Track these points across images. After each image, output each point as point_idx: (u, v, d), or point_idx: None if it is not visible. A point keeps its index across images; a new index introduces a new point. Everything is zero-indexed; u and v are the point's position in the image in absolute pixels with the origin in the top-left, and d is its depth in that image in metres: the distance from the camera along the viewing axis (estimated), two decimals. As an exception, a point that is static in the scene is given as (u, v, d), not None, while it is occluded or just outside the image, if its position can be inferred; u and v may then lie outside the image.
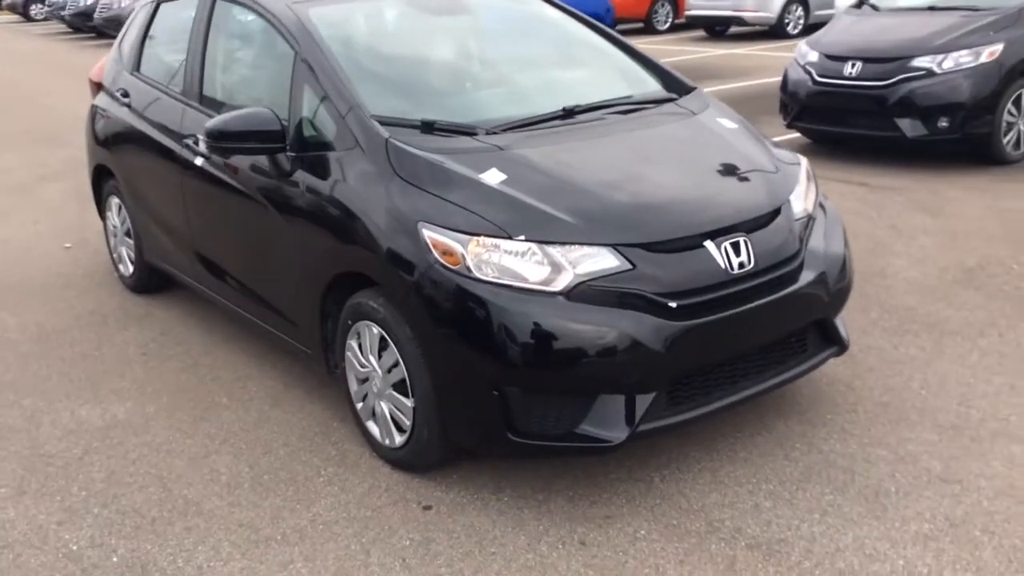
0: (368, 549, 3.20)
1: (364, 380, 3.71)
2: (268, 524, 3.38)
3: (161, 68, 5.29)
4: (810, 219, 3.77)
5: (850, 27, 8.55)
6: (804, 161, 4.06)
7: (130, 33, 5.75)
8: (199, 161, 4.55)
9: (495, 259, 3.22)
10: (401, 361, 3.45)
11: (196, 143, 4.57)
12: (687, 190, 3.61)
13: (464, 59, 4.62)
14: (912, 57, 7.60)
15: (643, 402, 3.22)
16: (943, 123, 7.45)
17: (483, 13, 5.00)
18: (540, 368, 3.18)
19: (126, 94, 5.45)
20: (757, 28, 18.20)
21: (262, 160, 4.05)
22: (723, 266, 3.34)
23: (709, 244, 3.35)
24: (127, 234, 5.66)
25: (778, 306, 3.45)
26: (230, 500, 3.54)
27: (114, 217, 5.81)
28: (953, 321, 4.71)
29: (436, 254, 3.28)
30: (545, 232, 3.25)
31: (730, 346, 3.40)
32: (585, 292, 3.18)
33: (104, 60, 6.10)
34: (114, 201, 5.76)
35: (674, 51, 16.33)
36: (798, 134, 8.63)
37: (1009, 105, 7.51)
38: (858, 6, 9.02)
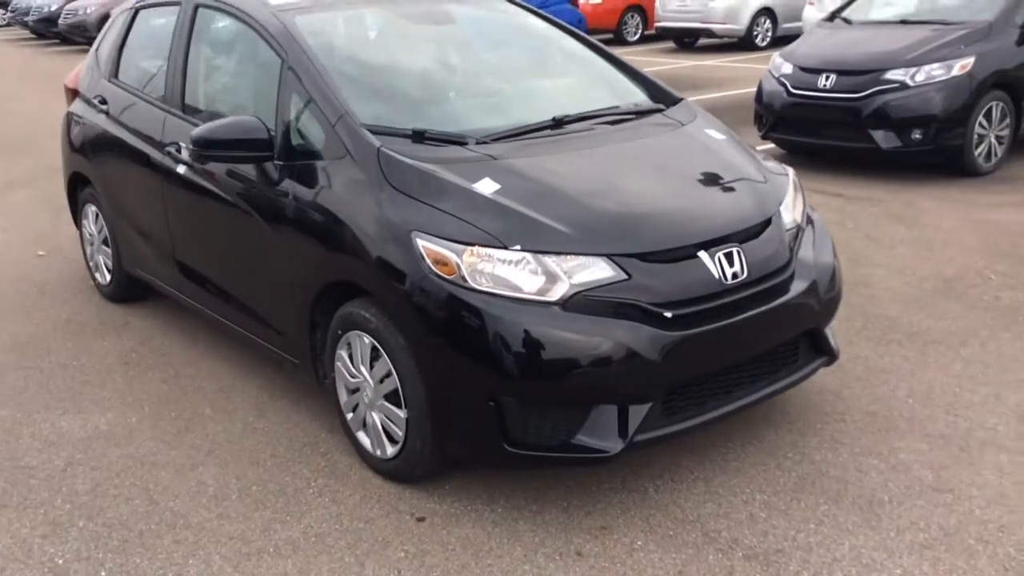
0: (363, 561, 3.16)
1: (355, 390, 3.67)
2: (259, 536, 3.33)
3: (140, 75, 5.22)
4: (799, 229, 3.79)
5: (823, 40, 8.64)
6: (791, 172, 4.08)
7: (107, 39, 5.67)
8: (181, 169, 4.49)
9: (490, 269, 3.20)
10: (394, 371, 3.42)
11: (178, 151, 4.51)
12: (680, 200, 3.62)
13: (450, 69, 4.61)
14: (885, 70, 7.69)
15: (639, 412, 3.21)
16: (916, 135, 7.54)
17: (468, 23, 4.99)
18: (537, 378, 3.16)
19: (104, 101, 5.38)
20: (726, 40, 18.35)
21: (248, 169, 4.00)
22: (717, 276, 3.34)
23: (703, 254, 3.35)
24: (104, 242, 5.58)
25: (771, 316, 3.46)
26: (219, 512, 3.49)
27: (91, 225, 5.72)
28: (935, 331, 4.76)
29: (430, 264, 3.25)
30: (540, 242, 3.24)
31: (724, 356, 3.41)
32: (581, 302, 3.17)
33: (80, 66, 6.02)
34: (91, 209, 5.68)
35: (644, 62, 16.39)
36: (773, 145, 8.70)
37: (980, 118, 7.61)
38: (831, 19, 9.11)
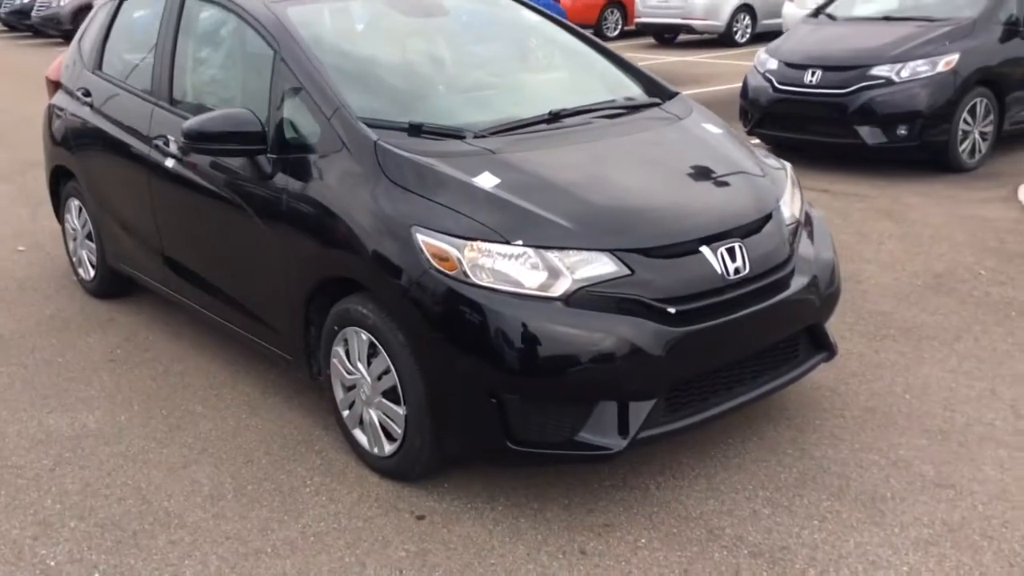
0: (363, 561, 3.11)
1: (351, 388, 3.62)
2: (256, 536, 3.27)
3: (126, 67, 5.13)
4: (798, 224, 3.78)
5: (808, 36, 8.64)
6: (788, 167, 4.06)
7: (90, 31, 5.57)
8: (169, 163, 4.41)
9: (491, 264, 3.16)
10: (392, 368, 3.36)
11: (166, 144, 4.44)
12: (681, 195, 3.59)
13: (444, 62, 4.55)
14: (871, 66, 7.70)
15: (643, 409, 3.18)
16: (902, 131, 7.56)
17: (462, 16, 4.94)
18: (539, 375, 3.12)
19: (87, 93, 5.28)
20: (706, 36, 18.37)
21: (239, 162, 3.93)
22: (719, 271, 3.31)
23: (705, 249, 3.32)
24: (88, 237, 5.48)
25: (773, 312, 3.44)
26: (214, 512, 3.42)
27: (74, 220, 5.62)
28: (929, 326, 4.76)
29: (430, 258, 3.20)
30: (542, 237, 3.20)
31: (727, 352, 3.38)
32: (584, 298, 3.13)
33: (62, 58, 5.91)
34: (73, 203, 5.58)
35: (625, 58, 16.36)
36: (758, 141, 8.69)
37: (964, 114, 7.64)
38: (815, 15, 9.12)
